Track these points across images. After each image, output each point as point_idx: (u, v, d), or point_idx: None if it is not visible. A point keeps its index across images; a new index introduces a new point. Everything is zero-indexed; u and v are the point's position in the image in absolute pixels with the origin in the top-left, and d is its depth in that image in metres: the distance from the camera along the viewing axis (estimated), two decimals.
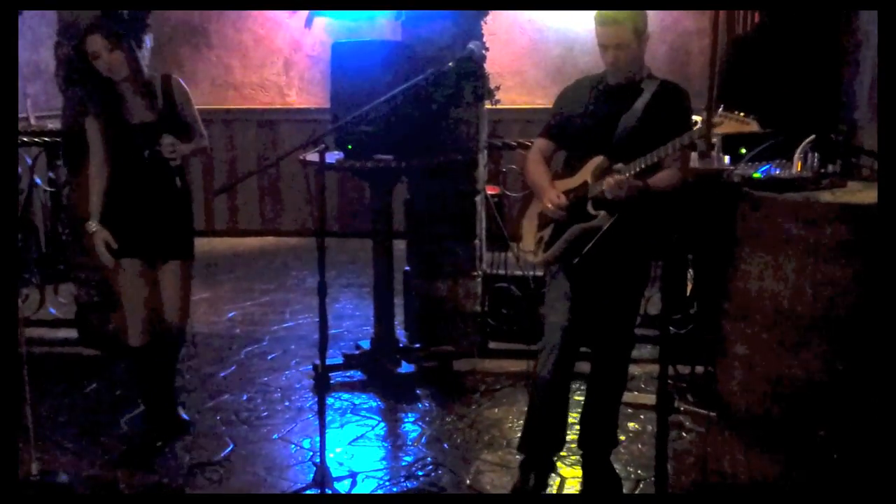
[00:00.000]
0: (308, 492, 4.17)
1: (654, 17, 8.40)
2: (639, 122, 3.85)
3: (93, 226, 4.44)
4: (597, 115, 3.97)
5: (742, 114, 3.49)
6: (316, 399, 4.93)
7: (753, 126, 3.56)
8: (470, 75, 5.68)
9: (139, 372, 4.67)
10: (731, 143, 4.12)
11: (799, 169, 3.91)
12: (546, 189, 4.03)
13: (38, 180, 6.67)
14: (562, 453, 4.37)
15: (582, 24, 9.06)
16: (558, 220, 4.01)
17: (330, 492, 4.09)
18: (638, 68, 3.94)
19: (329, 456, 4.36)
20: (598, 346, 4.21)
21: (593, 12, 3.91)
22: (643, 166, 3.72)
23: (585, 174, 3.95)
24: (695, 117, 3.74)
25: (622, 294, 4.06)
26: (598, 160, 3.90)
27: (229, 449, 4.62)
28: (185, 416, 4.86)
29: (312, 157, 4.89)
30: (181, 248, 4.56)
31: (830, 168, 3.95)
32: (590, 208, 3.90)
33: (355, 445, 4.71)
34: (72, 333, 6.24)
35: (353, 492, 4.24)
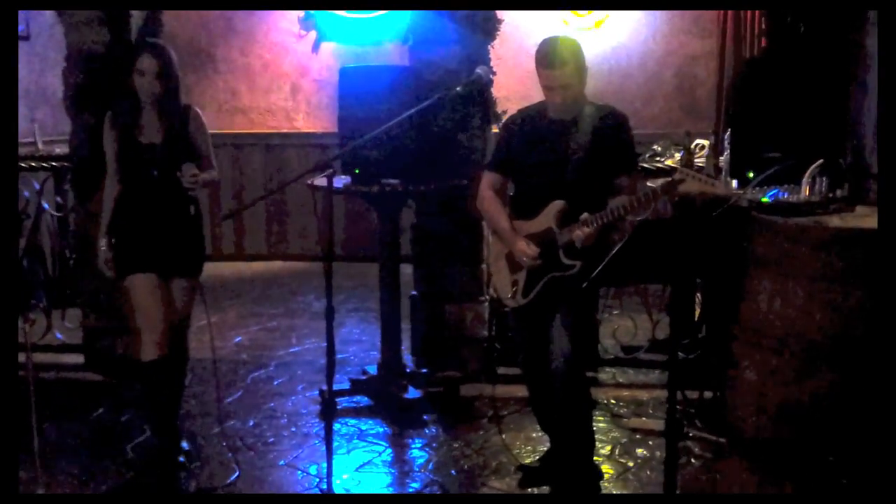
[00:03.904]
0: None
1: (660, 42, 8.51)
2: (587, 156, 4.03)
3: (102, 244, 4.56)
4: (546, 153, 4.12)
5: (708, 175, 3.64)
6: (322, 425, 4.92)
7: (718, 188, 3.70)
8: (477, 100, 5.70)
9: (151, 388, 4.58)
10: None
11: (807, 193, 3.90)
12: (512, 237, 4.18)
13: (45, 205, 6.68)
14: None
15: (589, 49, 9.03)
16: (531, 268, 4.13)
17: None
18: (580, 101, 4.12)
19: (336, 482, 4.34)
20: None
21: (560, 47, 4.07)
22: (610, 218, 3.91)
23: (548, 220, 4.09)
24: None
25: (576, 315, 4.16)
26: (558, 205, 4.06)
27: (235, 475, 4.59)
28: (185, 447, 4.78)
29: (320, 181, 4.89)
30: (191, 265, 4.64)
31: (839, 193, 3.94)
32: (563, 258, 4.05)
33: (362, 471, 4.68)
34: (78, 359, 6.22)
35: None
